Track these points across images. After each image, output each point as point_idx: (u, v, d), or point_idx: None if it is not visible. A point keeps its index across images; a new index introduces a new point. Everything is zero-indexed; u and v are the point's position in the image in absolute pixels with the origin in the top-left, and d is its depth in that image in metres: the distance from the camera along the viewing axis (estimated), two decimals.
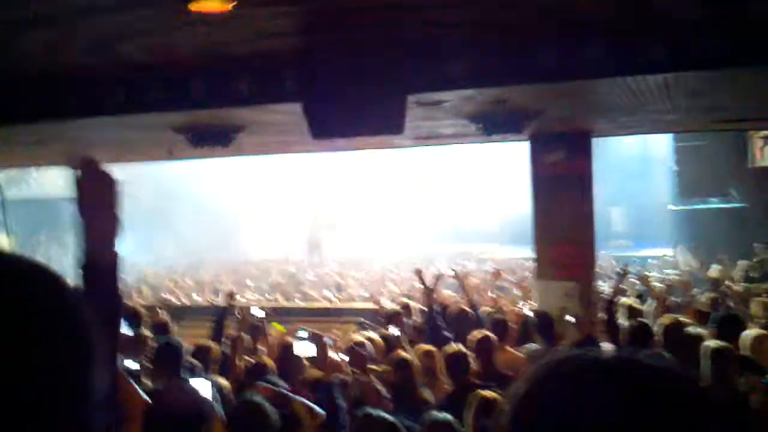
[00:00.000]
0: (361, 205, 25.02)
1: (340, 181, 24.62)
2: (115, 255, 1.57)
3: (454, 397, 5.68)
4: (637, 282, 13.31)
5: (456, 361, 5.86)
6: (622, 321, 7.55)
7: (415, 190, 25.10)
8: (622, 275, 8.16)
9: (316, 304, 12.65)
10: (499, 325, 7.46)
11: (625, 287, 8.91)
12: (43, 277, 0.82)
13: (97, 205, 1.55)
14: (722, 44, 5.10)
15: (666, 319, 7.07)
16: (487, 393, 4.75)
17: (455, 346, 6.06)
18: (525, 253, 17.38)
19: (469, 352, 6.03)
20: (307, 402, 5.17)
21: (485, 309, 8.98)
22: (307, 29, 5.00)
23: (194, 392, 3.49)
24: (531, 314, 8.04)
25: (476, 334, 6.79)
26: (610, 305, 7.45)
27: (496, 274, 10.72)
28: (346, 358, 6.72)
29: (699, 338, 6.08)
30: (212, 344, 7.00)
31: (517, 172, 20.91)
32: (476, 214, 25.00)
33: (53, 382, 0.77)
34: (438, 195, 25.09)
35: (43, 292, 0.81)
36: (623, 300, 8.47)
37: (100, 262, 1.49)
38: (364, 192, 25.10)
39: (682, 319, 7.22)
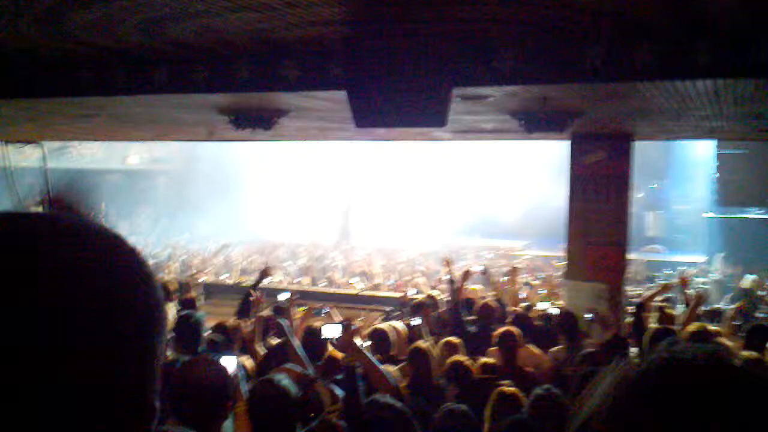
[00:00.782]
0: (391, 195, 25.01)
1: (372, 169, 24.61)
2: None
3: (473, 388, 5.72)
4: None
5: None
6: (653, 325, 7.53)
7: (444, 181, 25.03)
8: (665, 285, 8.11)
9: (342, 290, 12.73)
10: (524, 322, 7.47)
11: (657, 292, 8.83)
12: (125, 246, 0.82)
13: None
14: None
15: (693, 326, 7.05)
16: (509, 388, 4.78)
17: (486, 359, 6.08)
18: (551, 251, 17.35)
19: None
20: (332, 386, 5.23)
21: (510, 307, 9.00)
22: (356, 18, 5.02)
23: (222, 368, 3.54)
24: (556, 312, 8.03)
25: (501, 329, 6.82)
26: (640, 308, 7.43)
27: (514, 272, 10.69)
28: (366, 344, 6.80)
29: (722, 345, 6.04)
30: (237, 322, 7.11)
31: (548, 167, 21.01)
32: (505, 208, 24.91)
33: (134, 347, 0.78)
34: (467, 187, 25.00)
35: (124, 260, 0.81)
36: (656, 303, 8.44)
37: None
38: (394, 181, 25.08)
39: (709, 327, 7.18)
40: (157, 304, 0.82)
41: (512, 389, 4.82)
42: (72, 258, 0.76)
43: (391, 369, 6.09)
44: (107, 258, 0.79)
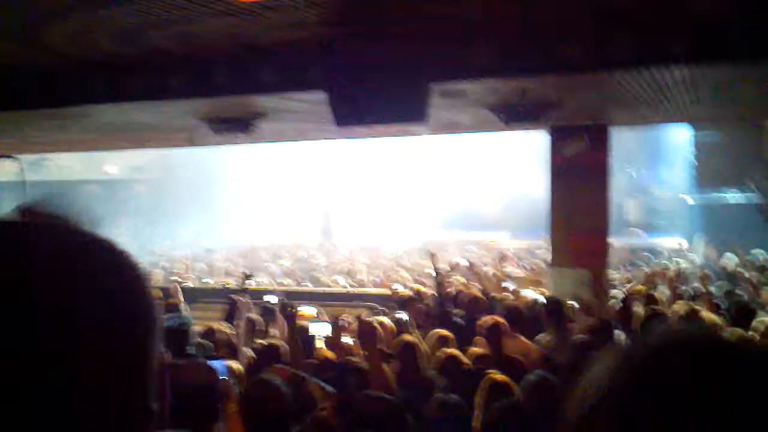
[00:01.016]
0: (371, 192, 25.03)
1: (351, 168, 24.62)
2: None
3: (462, 377, 5.76)
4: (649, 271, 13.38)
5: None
6: (638, 309, 7.62)
7: (423, 176, 25.09)
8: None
9: (328, 289, 12.73)
10: (511, 312, 7.52)
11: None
12: (117, 250, 0.83)
13: None
14: (745, 37, 5.11)
15: (679, 306, 7.14)
16: (499, 376, 4.81)
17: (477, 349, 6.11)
18: (533, 242, 17.48)
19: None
20: (322, 383, 5.25)
21: (495, 295, 9.05)
22: (333, 19, 5.04)
23: (211, 370, 3.55)
24: (541, 300, 8.10)
25: (487, 319, 6.86)
26: (627, 300, 7.53)
27: (503, 258, 10.76)
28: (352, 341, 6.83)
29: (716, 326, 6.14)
30: (223, 326, 7.11)
31: (524, 158, 21.16)
32: (485, 200, 25.02)
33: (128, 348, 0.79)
34: (446, 181, 25.07)
35: (117, 264, 0.82)
36: (639, 287, 8.54)
37: None
38: (373, 178, 25.10)
39: (695, 307, 7.29)
40: (152, 306, 0.83)
41: (503, 377, 4.85)
42: (67, 261, 0.77)
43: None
44: (102, 262, 0.80)
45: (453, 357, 5.84)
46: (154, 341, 0.82)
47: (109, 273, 0.80)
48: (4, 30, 5.15)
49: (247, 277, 8.72)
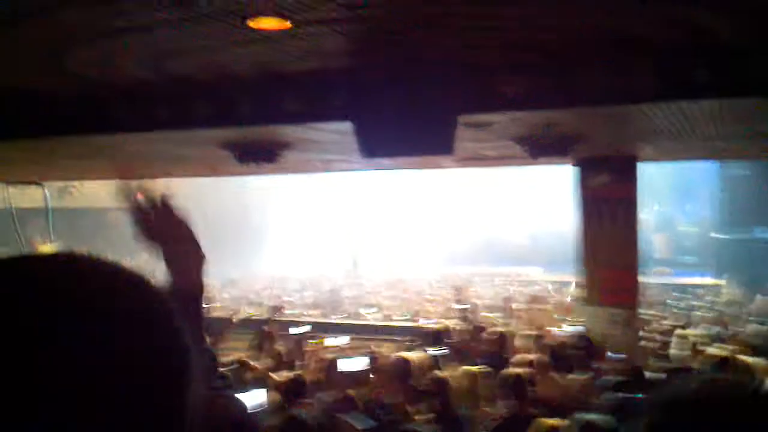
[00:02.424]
0: (396, 222, 24.97)
1: (376, 198, 24.60)
2: (199, 288, 1.54)
3: (508, 422, 5.60)
4: (679, 311, 13.16)
5: (513, 386, 5.75)
6: (675, 351, 7.45)
7: (447, 208, 24.99)
8: None
9: (355, 321, 12.66)
10: (546, 350, 7.38)
11: None
12: (150, 286, 0.80)
13: (175, 240, 1.54)
14: None
15: (716, 350, 6.96)
16: (553, 421, 4.66)
17: (513, 370, 5.96)
18: (561, 276, 17.24)
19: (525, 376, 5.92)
20: (351, 421, 5.15)
21: (526, 332, 8.92)
22: (359, 49, 5.01)
23: (241, 403, 3.47)
24: (576, 339, 7.94)
25: (520, 359, 6.73)
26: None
27: (535, 300, 10.63)
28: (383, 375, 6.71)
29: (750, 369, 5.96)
30: (250, 358, 7.05)
31: (553, 189, 20.98)
32: (511, 234, 24.88)
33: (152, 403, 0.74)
34: (471, 213, 24.97)
35: (151, 301, 0.79)
36: (678, 331, 8.37)
37: (183, 296, 1.45)
38: (398, 209, 25.05)
39: (732, 348, 7.11)
40: (186, 343, 0.79)
41: (552, 421, 4.70)
42: (105, 299, 0.74)
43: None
44: (133, 299, 0.77)
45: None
46: (189, 377, 0.78)
47: (143, 310, 0.76)
48: (31, 57, 5.16)
49: (277, 309, 8.67)
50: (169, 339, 0.77)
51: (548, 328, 9.46)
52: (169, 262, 1.51)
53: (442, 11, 4.24)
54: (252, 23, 4.11)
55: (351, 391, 5.93)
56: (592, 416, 4.46)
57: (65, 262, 0.78)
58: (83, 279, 0.75)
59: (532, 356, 6.83)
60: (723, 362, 6.33)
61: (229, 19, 4.11)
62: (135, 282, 0.79)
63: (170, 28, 4.33)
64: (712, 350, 6.97)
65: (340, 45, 4.80)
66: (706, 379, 0.90)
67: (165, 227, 1.53)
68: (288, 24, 4.13)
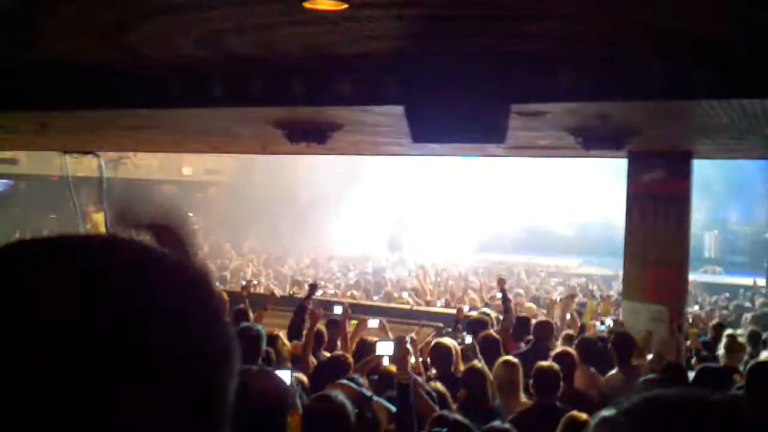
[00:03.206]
0: (443, 208, 24.87)
1: (425, 182, 24.52)
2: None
3: (532, 412, 5.58)
4: (728, 311, 12.93)
5: (545, 379, 5.72)
6: (722, 351, 7.34)
7: (496, 195, 24.80)
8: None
9: (395, 305, 12.68)
10: (581, 343, 7.32)
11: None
12: (203, 282, 0.77)
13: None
14: None
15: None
16: (581, 415, 4.63)
17: (548, 363, 5.92)
18: (606, 269, 17.05)
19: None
20: (387, 404, 5.17)
21: (567, 325, 8.85)
22: (414, 33, 4.98)
23: (280, 381, 3.50)
24: (613, 334, 7.86)
25: (559, 352, 6.68)
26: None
27: (569, 299, 10.52)
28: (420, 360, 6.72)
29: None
30: (286, 336, 7.10)
31: (602, 180, 20.74)
32: (557, 223, 24.66)
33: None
34: (519, 201, 24.74)
35: (194, 293, 0.75)
36: (728, 331, 8.22)
37: None
38: (447, 194, 24.93)
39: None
40: (229, 333, 0.77)
41: (584, 416, 4.67)
42: (143, 287, 0.70)
43: (439, 386, 6.02)
44: (179, 288, 0.74)
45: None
46: (230, 372, 0.75)
47: (186, 300, 0.73)
48: (90, 32, 5.25)
49: (314, 287, 8.72)
50: (217, 333, 0.75)
51: (590, 322, 9.35)
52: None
53: (495, 2, 4.20)
54: (308, 4, 4.11)
55: (388, 372, 5.95)
56: (608, 412, 4.39)
57: (106, 248, 0.75)
58: (128, 267, 0.72)
59: (570, 350, 6.76)
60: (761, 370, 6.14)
61: None
62: (179, 270, 0.76)
63: (226, 7, 4.36)
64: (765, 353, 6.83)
65: (395, 29, 4.78)
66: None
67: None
68: (344, 5, 4.12)
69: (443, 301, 13.26)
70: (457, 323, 8.91)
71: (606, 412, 0.88)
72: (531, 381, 5.86)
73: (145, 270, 0.73)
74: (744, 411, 0.81)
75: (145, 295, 0.70)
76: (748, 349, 7.96)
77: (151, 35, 5.30)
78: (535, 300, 12.32)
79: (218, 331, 0.76)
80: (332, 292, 14.48)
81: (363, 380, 5.64)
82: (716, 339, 8.64)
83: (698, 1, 4.16)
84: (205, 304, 0.76)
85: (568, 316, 9.77)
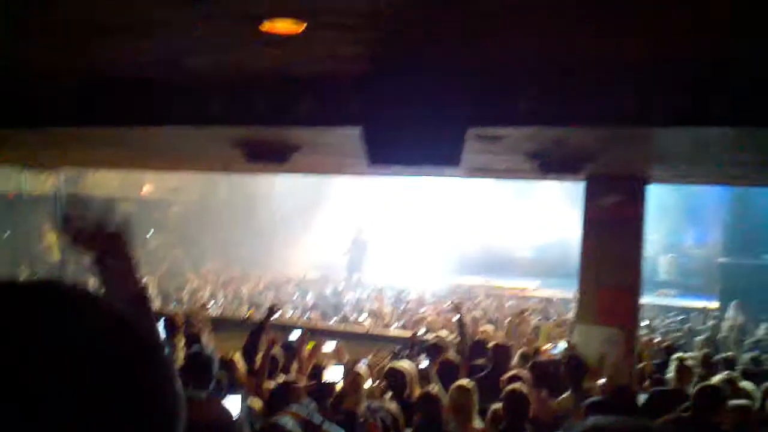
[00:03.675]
0: (400, 229, 24.86)
1: (382, 203, 24.51)
2: (142, 289, 1.59)
3: None
4: (680, 334, 13.12)
5: (516, 402, 5.73)
6: (672, 374, 7.44)
7: (454, 217, 24.88)
8: None
9: (353, 328, 12.66)
10: (535, 368, 7.36)
11: None
12: (140, 332, 0.76)
13: (115, 257, 1.60)
14: None
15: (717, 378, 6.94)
16: None
17: (517, 385, 5.95)
18: (563, 291, 17.17)
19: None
20: (337, 430, 5.14)
21: (522, 348, 8.89)
22: (372, 56, 5.02)
23: (225, 411, 3.46)
24: (565, 357, 7.93)
25: (510, 375, 6.72)
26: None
27: (521, 317, 10.62)
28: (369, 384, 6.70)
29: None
30: (241, 359, 7.02)
31: (559, 203, 20.99)
32: (515, 245, 24.82)
33: None
34: (477, 224, 24.85)
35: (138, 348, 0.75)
36: (677, 354, 8.34)
37: (128, 297, 1.50)
38: (404, 215, 24.95)
39: (734, 376, 7.09)
40: (176, 389, 0.76)
41: None
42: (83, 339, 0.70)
43: (393, 408, 6.00)
44: (124, 345, 0.73)
45: None
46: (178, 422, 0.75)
47: (130, 352, 0.73)
48: (47, 47, 5.20)
49: (272, 310, 8.66)
50: (159, 383, 0.74)
51: (543, 345, 9.43)
52: (105, 272, 1.55)
53: (458, 25, 4.25)
54: (266, 25, 4.12)
55: (340, 400, 5.93)
56: None
57: (46, 296, 0.73)
58: (66, 316, 0.71)
59: (523, 373, 6.81)
60: (713, 389, 6.23)
61: (244, 20, 4.12)
62: (120, 320, 0.76)
63: (186, 27, 4.35)
64: (716, 377, 6.94)
65: (353, 51, 4.81)
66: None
67: (100, 242, 1.58)
68: (301, 28, 4.14)
69: (401, 323, 13.27)
70: (413, 346, 8.92)
71: None
72: (502, 404, 5.87)
73: (83, 319, 0.72)
74: None
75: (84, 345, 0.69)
76: (699, 371, 8.09)
77: (111, 53, 5.27)
78: (494, 322, 12.35)
79: (165, 393, 0.75)
80: (290, 314, 14.40)
81: (313, 406, 5.60)
82: (667, 362, 8.75)
83: (654, 30, 4.26)
84: (152, 368, 0.75)
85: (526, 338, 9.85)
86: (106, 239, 1.63)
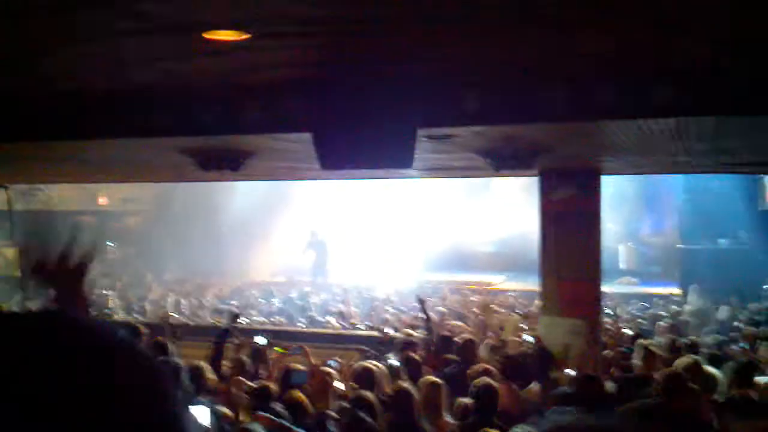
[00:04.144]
0: (363, 229, 24.82)
1: (344, 203, 24.47)
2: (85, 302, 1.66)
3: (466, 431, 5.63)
4: (644, 321, 13.30)
5: (486, 397, 5.78)
6: (637, 361, 7.56)
7: (417, 214, 24.91)
8: None
9: (320, 330, 12.63)
10: (504, 360, 7.43)
11: None
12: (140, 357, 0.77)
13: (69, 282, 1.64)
14: (733, 90, 5.10)
15: (681, 360, 7.05)
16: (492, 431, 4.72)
17: (486, 379, 6.00)
18: (528, 285, 17.31)
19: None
20: None
21: (489, 342, 8.96)
22: (317, 61, 5.02)
23: (192, 419, 3.44)
24: (531, 348, 8.02)
25: (477, 369, 6.78)
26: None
27: (486, 309, 10.72)
28: (342, 386, 6.71)
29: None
30: (208, 367, 6.98)
31: (521, 197, 21.14)
32: (479, 240, 24.94)
33: None
34: (440, 220, 24.90)
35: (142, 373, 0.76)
36: (640, 341, 8.47)
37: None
38: (366, 215, 24.91)
39: (698, 360, 7.21)
40: (180, 410, 0.79)
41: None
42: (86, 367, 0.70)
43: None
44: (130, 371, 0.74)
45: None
46: None
47: (136, 382, 0.73)
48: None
49: (236, 316, 8.61)
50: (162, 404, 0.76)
51: (509, 338, 9.51)
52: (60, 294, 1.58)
53: (399, 29, 4.26)
54: (208, 35, 4.10)
55: (308, 402, 5.92)
56: (526, 429, 4.50)
57: (46, 324, 0.73)
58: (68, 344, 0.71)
59: (490, 366, 6.87)
60: (688, 371, 6.36)
61: (186, 31, 4.10)
62: (121, 346, 0.75)
63: (127, 39, 4.31)
64: (679, 361, 7.05)
65: (298, 57, 4.81)
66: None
67: (61, 276, 1.61)
68: (245, 36, 4.12)
69: (368, 323, 13.27)
70: (381, 345, 8.94)
71: (516, 430, 0.92)
72: (470, 400, 5.92)
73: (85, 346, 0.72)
74: None
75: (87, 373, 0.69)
76: (665, 356, 8.23)
77: (55, 66, 5.20)
78: (460, 317, 12.42)
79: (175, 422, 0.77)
80: (256, 319, 14.32)
81: (282, 410, 5.60)
82: (633, 349, 8.89)
83: (601, 25, 4.31)
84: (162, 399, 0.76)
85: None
86: (67, 274, 1.67)
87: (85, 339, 0.73)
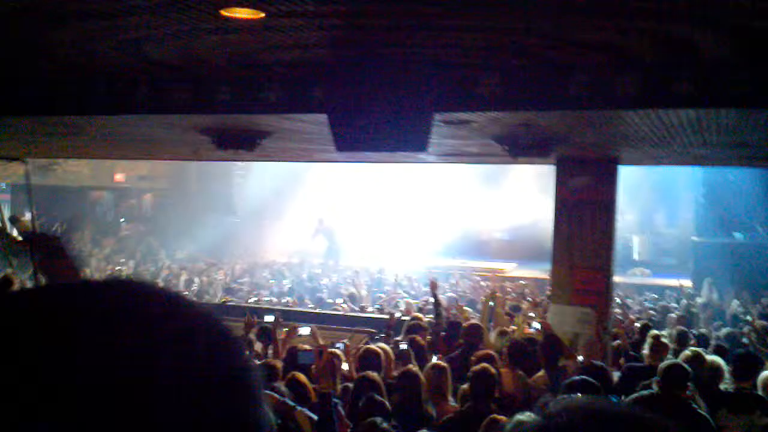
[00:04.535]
0: (377, 213, 24.77)
1: (359, 186, 24.40)
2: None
3: (463, 416, 5.63)
4: (655, 312, 13.26)
5: (481, 383, 5.76)
6: (647, 351, 7.53)
7: (431, 199, 24.82)
8: None
9: (329, 311, 12.66)
10: (512, 347, 7.41)
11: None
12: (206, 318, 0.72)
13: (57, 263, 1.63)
14: (753, 82, 5.04)
15: (688, 352, 7.02)
16: (502, 418, 4.71)
17: (483, 365, 5.98)
18: (539, 272, 17.26)
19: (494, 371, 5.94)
20: (310, 414, 5.16)
21: (498, 328, 8.95)
22: (337, 42, 4.99)
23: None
24: (540, 335, 7.99)
25: (483, 354, 6.78)
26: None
27: (495, 298, 10.70)
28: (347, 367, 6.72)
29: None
30: None
31: (535, 186, 21.06)
32: (492, 227, 24.87)
33: None
34: (454, 206, 24.81)
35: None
36: (651, 332, 8.44)
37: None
38: (381, 199, 24.85)
39: (700, 351, 7.18)
40: (250, 370, 0.73)
41: (505, 419, 4.74)
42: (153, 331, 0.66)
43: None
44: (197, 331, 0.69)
45: None
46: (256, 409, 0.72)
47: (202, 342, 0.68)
48: (4, 37, 5.12)
49: (276, 319, 8.62)
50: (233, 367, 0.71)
51: (519, 325, 9.48)
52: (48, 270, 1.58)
53: (420, 10, 4.23)
54: (225, 12, 4.08)
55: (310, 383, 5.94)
56: (524, 416, 4.48)
57: (124, 292, 0.69)
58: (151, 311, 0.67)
59: (492, 352, 6.86)
60: (690, 361, 6.34)
61: (203, 6, 4.07)
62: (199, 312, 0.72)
63: (140, 14, 4.29)
64: (687, 352, 7.02)
65: (316, 38, 4.78)
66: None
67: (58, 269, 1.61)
68: (261, 14, 4.10)
69: (377, 306, 13.29)
70: (389, 328, 8.94)
71: (520, 416, 0.93)
72: (468, 385, 5.91)
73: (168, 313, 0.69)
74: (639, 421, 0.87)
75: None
76: (674, 347, 8.20)
77: (71, 41, 5.19)
78: (470, 304, 12.41)
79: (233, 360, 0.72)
80: (267, 299, 14.38)
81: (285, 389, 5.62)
82: (642, 339, 8.85)
83: (619, 15, 4.26)
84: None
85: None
86: (64, 268, 1.66)
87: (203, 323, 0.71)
